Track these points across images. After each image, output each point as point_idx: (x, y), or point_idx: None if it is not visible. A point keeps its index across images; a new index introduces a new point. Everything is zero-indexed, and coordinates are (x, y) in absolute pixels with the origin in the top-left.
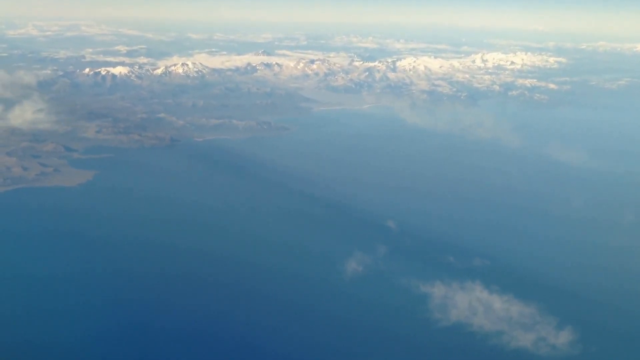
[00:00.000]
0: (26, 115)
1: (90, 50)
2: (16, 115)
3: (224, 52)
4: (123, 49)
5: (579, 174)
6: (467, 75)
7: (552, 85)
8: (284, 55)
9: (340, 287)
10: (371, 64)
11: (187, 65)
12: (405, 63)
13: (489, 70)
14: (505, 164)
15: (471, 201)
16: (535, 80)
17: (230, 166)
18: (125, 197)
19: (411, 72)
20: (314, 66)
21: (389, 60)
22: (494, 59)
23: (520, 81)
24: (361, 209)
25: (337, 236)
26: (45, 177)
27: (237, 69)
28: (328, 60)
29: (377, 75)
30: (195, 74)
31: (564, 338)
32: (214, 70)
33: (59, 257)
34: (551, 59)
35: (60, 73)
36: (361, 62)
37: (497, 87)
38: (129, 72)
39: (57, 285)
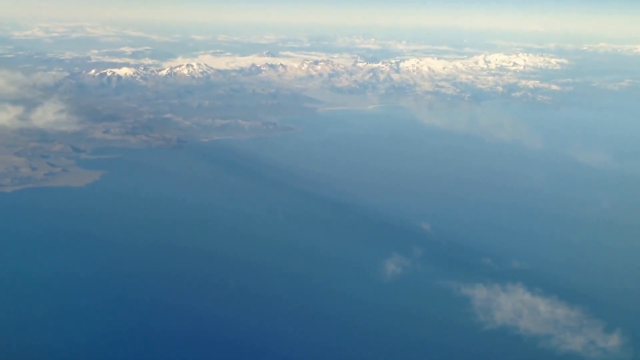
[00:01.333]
0: (48, 116)
1: (96, 51)
2: (38, 117)
3: (228, 53)
4: (128, 50)
5: (602, 175)
6: (470, 77)
7: (554, 87)
8: (287, 56)
9: (380, 289)
10: (375, 65)
11: (192, 66)
12: (409, 64)
13: (492, 72)
14: (529, 166)
15: (497, 205)
16: (537, 81)
17: (239, 167)
18: (132, 198)
19: (415, 73)
20: (318, 67)
21: (393, 61)
22: (496, 60)
23: (523, 82)
24: (382, 212)
25: (363, 240)
26: (53, 177)
27: (242, 70)
28: (332, 62)
29: (381, 76)
30: (200, 75)
31: (614, 341)
32: (219, 71)
33: (67, 257)
34: (553, 60)
35: (67, 74)
36: (365, 63)
37: (500, 88)
38: (134, 73)
39: (64, 285)
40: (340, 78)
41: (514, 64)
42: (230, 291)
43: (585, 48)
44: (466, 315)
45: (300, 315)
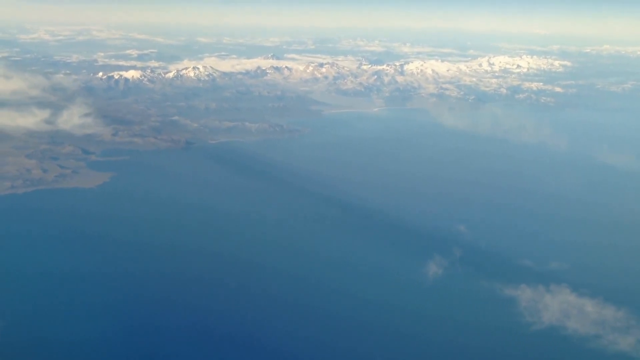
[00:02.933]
0: (74, 119)
1: (102, 54)
2: (65, 120)
3: (234, 56)
4: (134, 52)
5: (630, 177)
6: (474, 79)
7: (558, 89)
8: (292, 59)
9: (422, 293)
10: (379, 68)
11: (198, 69)
12: (413, 67)
13: (496, 74)
14: (556, 168)
15: (527, 209)
16: (541, 83)
17: (249, 168)
18: (142, 199)
19: (419, 76)
20: (323, 70)
21: (397, 63)
22: (500, 62)
23: (526, 84)
24: (409, 216)
25: (395, 244)
26: (64, 179)
27: (248, 73)
28: (337, 64)
29: (386, 79)
30: (206, 78)
31: None
32: (225, 73)
33: (80, 257)
34: (556, 63)
35: (88, 77)
36: (369, 66)
37: (504, 90)
38: (141, 76)
39: (76, 284)
40: (345, 80)
41: (518, 66)
42: (265, 299)
43: (588, 50)
44: (513, 316)
45: (345, 325)
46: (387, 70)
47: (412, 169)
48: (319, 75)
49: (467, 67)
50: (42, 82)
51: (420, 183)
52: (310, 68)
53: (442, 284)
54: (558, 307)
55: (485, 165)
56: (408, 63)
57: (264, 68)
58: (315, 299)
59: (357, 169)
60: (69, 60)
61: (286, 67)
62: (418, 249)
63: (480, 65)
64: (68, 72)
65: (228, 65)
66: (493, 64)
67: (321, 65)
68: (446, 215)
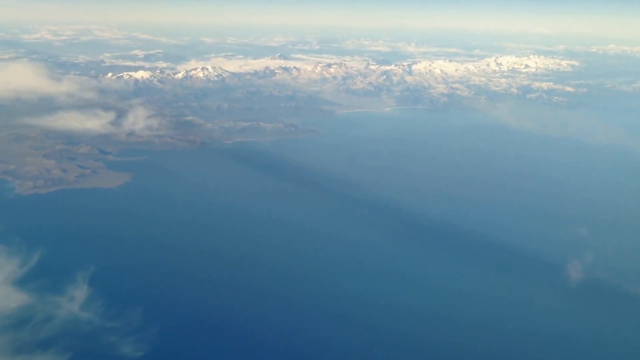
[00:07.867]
0: (140, 122)
1: (108, 54)
2: (131, 122)
3: (240, 56)
4: (140, 53)
5: None
6: (483, 79)
7: (569, 88)
8: (299, 59)
9: (569, 302)
10: (387, 68)
11: (207, 69)
12: (421, 67)
13: (504, 74)
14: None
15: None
16: (551, 83)
17: (271, 170)
18: (165, 199)
19: (428, 76)
20: (332, 70)
21: (405, 63)
22: (508, 62)
23: (536, 84)
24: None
25: (510, 263)
26: (85, 179)
27: (256, 73)
28: (345, 64)
29: (395, 79)
30: (215, 78)
31: None
32: (234, 74)
33: (110, 256)
34: (564, 62)
35: (125, 79)
36: (377, 66)
37: (514, 90)
38: (150, 77)
39: (101, 284)
40: (355, 80)
41: (526, 66)
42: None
43: (594, 50)
44: None
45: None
46: (395, 70)
47: (461, 174)
48: (328, 76)
49: (475, 67)
50: (93, 84)
51: (487, 191)
52: (319, 68)
53: (590, 291)
54: None
55: (562, 176)
56: (416, 63)
57: (272, 68)
58: (448, 334)
59: (398, 173)
60: (76, 61)
61: (294, 67)
62: (543, 260)
63: (488, 65)
64: (77, 72)
65: (236, 65)
66: (501, 64)
67: (329, 65)
68: (555, 227)
